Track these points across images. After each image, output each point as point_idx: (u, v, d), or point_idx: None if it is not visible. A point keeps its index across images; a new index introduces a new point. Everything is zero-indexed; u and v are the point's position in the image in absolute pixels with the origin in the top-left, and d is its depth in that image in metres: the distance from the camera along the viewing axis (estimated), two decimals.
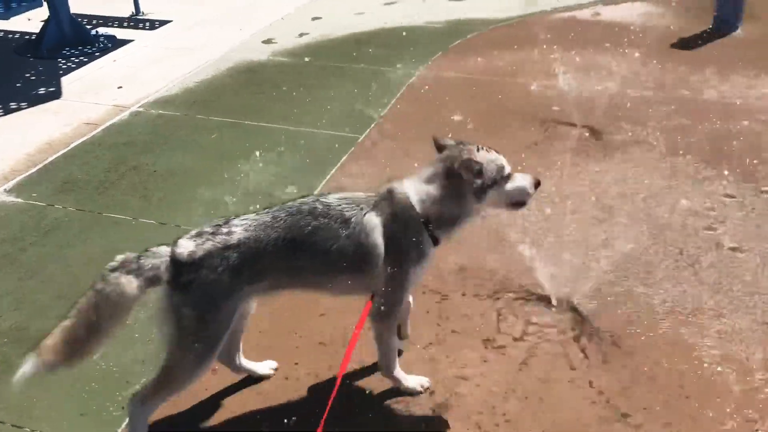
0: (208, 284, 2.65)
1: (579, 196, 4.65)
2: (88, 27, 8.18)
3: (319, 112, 6.04)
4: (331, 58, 7.29)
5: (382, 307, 2.90)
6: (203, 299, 2.67)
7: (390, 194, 2.87)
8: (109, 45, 7.82)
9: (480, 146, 2.88)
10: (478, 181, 2.79)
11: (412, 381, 3.19)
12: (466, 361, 3.36)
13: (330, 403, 2.64)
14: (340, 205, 2.81)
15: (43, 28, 7.69)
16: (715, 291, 3.77)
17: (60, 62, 7.37)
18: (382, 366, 3.14)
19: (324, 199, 2.84)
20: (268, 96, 6.43)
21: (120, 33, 8.22)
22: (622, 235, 4.24)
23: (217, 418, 3.11)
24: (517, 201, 2.96)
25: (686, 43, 7.06)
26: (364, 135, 5.60)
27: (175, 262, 2.67)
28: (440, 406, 3.12)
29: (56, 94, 6.61)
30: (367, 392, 3.21)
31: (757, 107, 5.77)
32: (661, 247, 4.12)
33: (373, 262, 2.79)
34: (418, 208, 2.81)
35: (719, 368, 3.27)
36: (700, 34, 7.23)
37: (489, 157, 2.85)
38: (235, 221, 2.76)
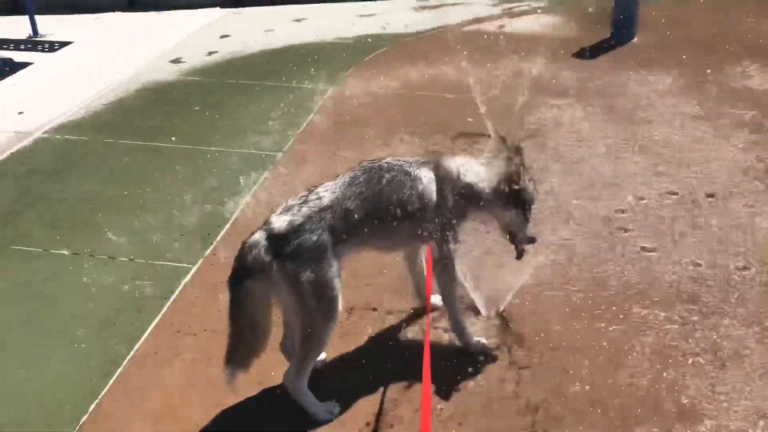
0: (313, 245, 2.94)
1: None
2: None
3: (233, 132, 5.95)
4: (242, 76, 7.20)
5: (439, 256, 3.30)
6: (313, 259, 2.94)
7: (436, 160, 3.33)
8: (7, 69, 7.48)
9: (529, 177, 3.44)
10: (513, 196, 3.33)
11: (478, 343, 3.49)
12: None
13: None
14: (399, 162, 3.26)
15: None
16: None
17: None
18: (452, 324, 3.48)
19: (383, 161, 3.27)
20: (180, 117, 6.29)
21: (17, 56, 7.87)
22: None
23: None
24: (516, 234, 3.46)
25: (588, 52, 7.35)
26: (280, 153, 5.55)
27: (275, 237, 2.94)
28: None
29: None
30: None
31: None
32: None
33: (427, 208, 3.21)
34: (461, 179, 3.30)
35: None
36: (599, 44, 7.54)
37: (529, 188, 3.40)
38: (318, 189, 3.11)
